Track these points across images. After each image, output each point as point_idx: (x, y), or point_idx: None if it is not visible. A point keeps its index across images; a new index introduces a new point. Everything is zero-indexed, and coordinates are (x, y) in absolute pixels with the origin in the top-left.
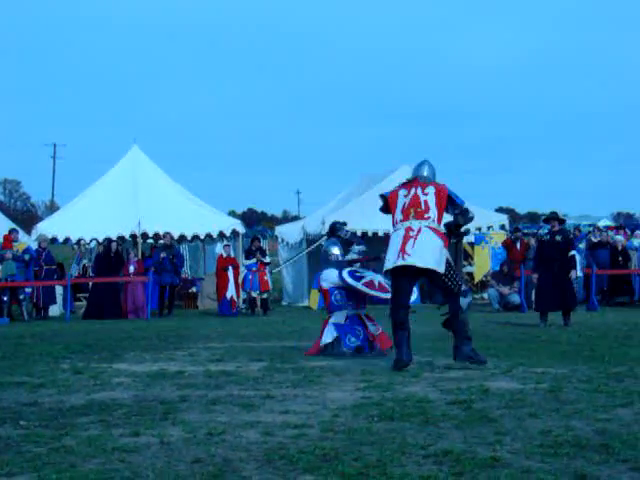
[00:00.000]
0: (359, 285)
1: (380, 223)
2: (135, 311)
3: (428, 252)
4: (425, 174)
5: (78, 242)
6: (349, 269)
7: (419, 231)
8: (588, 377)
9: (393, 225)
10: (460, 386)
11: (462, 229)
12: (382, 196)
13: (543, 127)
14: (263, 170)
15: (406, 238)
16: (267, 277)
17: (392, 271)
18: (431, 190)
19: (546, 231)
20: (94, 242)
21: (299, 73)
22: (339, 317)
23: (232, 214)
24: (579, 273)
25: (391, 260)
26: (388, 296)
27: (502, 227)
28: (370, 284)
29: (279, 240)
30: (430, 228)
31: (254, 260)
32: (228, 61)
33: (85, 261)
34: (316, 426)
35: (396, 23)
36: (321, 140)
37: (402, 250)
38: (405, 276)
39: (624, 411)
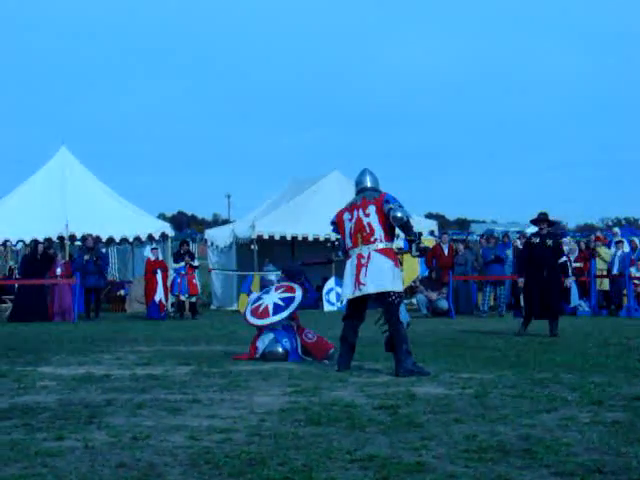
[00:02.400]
0: (247, 314)
1: (310, 228)
2: (61, 314)
3: (381, 277)
4: (369, 185)
5: (4, 243)
6: (257, 297)
7: (369, 257)
8: (513, 383)
9: (344, 252)
10: (387, 391)
11: (417, 239)
12: (332, 223)
13: (473, 134)
14: (193, 173)
15: (359, 267)
16: (196, 281)
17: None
18: (372, 209)
19: (534, 232)
20: (20, 244)
21: (230, 75)
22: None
23: (162, 217)
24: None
25: (348, 291)
26: (260, 323)
27: (431, 233)
28: (254, 311)
29: (209, 244)
30: (378, 251)
31: (183, 263)
32: (158, 62)
33: (11, 263)
34: (242, 431)
35: (329, 27)
36: (252, 144)
37: (357, 281)
38: (361, 300)
39: (548, 417)
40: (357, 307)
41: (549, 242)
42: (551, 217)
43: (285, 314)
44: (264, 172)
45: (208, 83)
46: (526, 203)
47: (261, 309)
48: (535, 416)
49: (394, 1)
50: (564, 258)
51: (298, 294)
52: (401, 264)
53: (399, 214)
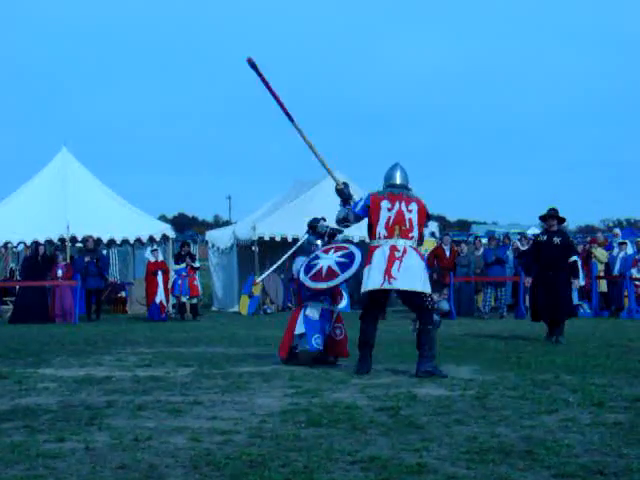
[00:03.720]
0: (306, 280)
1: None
2: (63, 315)
3: (414, 275)
4: (398, 182)
5: (5, 245)
6: (307, 262)
7: (404, 252)
8: (514, 384)
9: (372, 237)
10: (388, 392)
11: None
12: (365, 206)
13: (473, 135)
14: (194, 175)
15: (391, 258)
16: (197, 282)
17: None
18: (414, 207)
19: (542, 230)
20: (21, 245)
21: (231, 77)
22: (314, 310)
23: (162, 218)
24: (581, 282)
25: (376, 280)
26: (329, 285)
27: (432, 234)
28: (317, 275)
29: (209, 245)
30: (414, 249)
31: (184, 265)
32: (160, 63)
33: (12, 264)
34: (243, 432)
35: (329, 29)
36: (253, 145)
37: (388, 273)
38: (385, 293)
39: (549, 418)
40: (378, 302)
41: (557, 240)
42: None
43: (354, 269)
44: (265, 174)
45: (209, 85)
46: (527, 204)
47: (324, 271)
48: (536, 417)
49: (393, 2)
50: (574, 257)
51: (355, 251)
52: None
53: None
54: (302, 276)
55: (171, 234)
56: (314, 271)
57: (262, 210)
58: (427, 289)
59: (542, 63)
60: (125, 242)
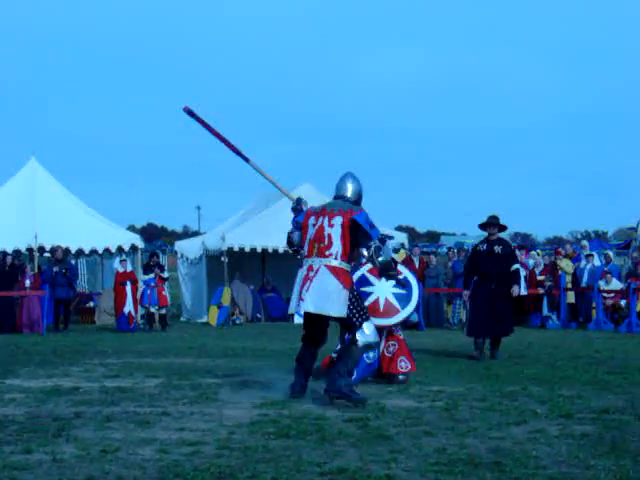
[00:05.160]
0: (382, 322)
1: (280, 240)
2: (30, 326)
3: (323, 297)
4: (348, 195)
5: None
6: (358, 282)
7: (317, 272)
8: (483, 396)
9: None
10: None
11: (391, 267)
12: (296, 222)
13: (443, 147)
14: (163, 185)
15: (305, 279)
16: (165, 292)
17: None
18: (338, 221)
19: (482, 239)
20: None
21: (201, 87)
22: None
23: (131, 229)
24: (523, 291)
25: (292, 304)
26: (389, 323)
27: (402, 245)
28: (373, 310)
29: (178, 255)
30: (329, 268)
31: (152, 275)
32: (127, 72)
33: None
34: (212, 443)
35: (302, 40)
36: (222, 156)
37: (300, 295)
38: (317, 317)
39: (517, 429)
40: (314, 324)
41: (498, 249)
42: (520, 231)
43: (413, 302)
44: (234, 184)
45: (178, 95)
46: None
47: (382, 306)
48: (504, 429)
49: (367, 14)
50: (516, 265)
51: (409, 276)
52: None
53: (381, 258)
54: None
55: (140, 244)
56: (369, 302)
57: (231, 220)
58: (340, 312)
59: (512, 78)
60: (93, 252)
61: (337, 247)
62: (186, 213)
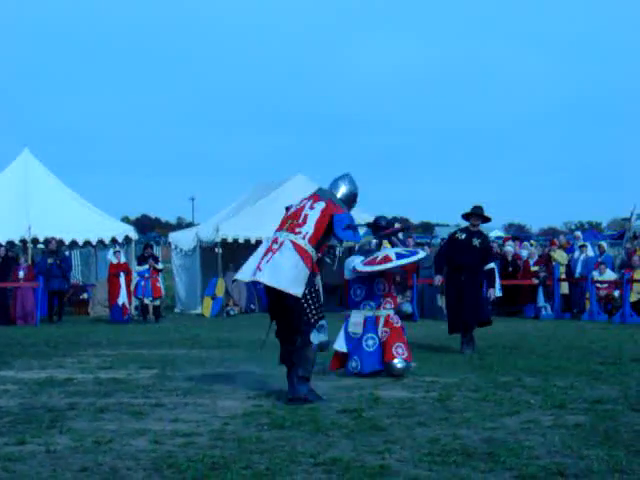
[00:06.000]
0: (359, 266)
1: (273, 231)
2: (24, 317)
3: (280, 271)
4: (338, 196)
5: None
6: (362, 258)
7: (281, 245)
8: (477, 386)
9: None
10: (350, 395)
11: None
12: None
13: (436, 138)
14: (157, 176)
15: (267, 250)
16: (159, 284)
17: (268, 295)
18: (319, 206)
19: (462, 227)
20: None
21: (195, 79)
22: (355, 322)
23: (125, 220)
24: (497, 292)
25: (245, 271)
26: (383, 267)
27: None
28: (370, 261)
29: (172, 247)
30: (293, 243)
31: (146, 266)
32: (121, 64)
33: None
34: (206, 434)
35: (293, 31)
36: (216, 147)
37: (259, 264)
38: (276, 302)
39: (510, 420)
40: (276, 308)
41: (476, 242)
42: (515, 222)
43: (412, 259)
44: (228, 175)
45: (171, 86)
46: (490, 207)
47: (380, 257)
48: (498, 419)
49: (360, 4)
50: (492, 265)
51: (420, 250)
52: None
53: (329, 260)
54: (359, 266)
55: (134, 236)
56: (369, 259)
57: (225, 212)
58: (294, 290)
59: (504, 67)
60: (87, 244)
61: (309, 228)
62: (180, 204)
